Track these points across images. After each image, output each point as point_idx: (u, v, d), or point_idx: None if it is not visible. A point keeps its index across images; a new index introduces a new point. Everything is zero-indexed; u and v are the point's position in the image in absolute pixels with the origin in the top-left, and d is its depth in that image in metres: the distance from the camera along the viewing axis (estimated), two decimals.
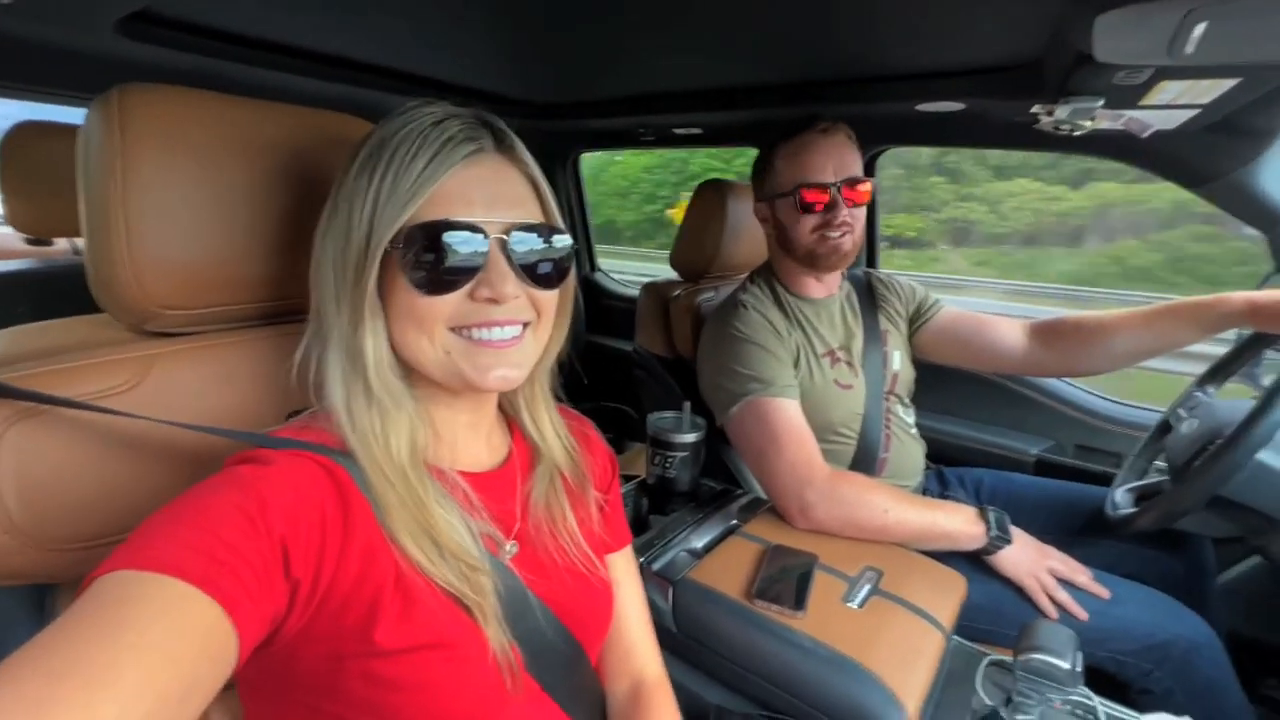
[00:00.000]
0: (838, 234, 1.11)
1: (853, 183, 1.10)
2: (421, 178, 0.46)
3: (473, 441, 0.59)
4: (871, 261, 1.79)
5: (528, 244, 0.50)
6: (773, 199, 1.18)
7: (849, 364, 1.19)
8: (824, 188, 1.09)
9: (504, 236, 0.49)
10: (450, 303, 0.48)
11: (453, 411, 0.56)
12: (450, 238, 0.47)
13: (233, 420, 0.59)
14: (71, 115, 1.41)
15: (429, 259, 0.47)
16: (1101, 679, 0.91)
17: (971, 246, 8.87)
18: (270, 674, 0.46)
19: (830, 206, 1.10)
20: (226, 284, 0.59)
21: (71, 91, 1.28)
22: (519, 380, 0.53)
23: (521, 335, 0.52)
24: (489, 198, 0.49)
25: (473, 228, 0.47)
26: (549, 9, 0.94)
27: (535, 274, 0.51)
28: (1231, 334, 1.07)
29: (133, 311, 0.55)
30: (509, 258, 0.49)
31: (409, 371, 0.52)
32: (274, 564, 0.40)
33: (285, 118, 0.62)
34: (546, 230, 0.52)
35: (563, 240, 0.53)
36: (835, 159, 1.11)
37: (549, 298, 0.54)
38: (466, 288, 0.48)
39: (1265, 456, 0.83)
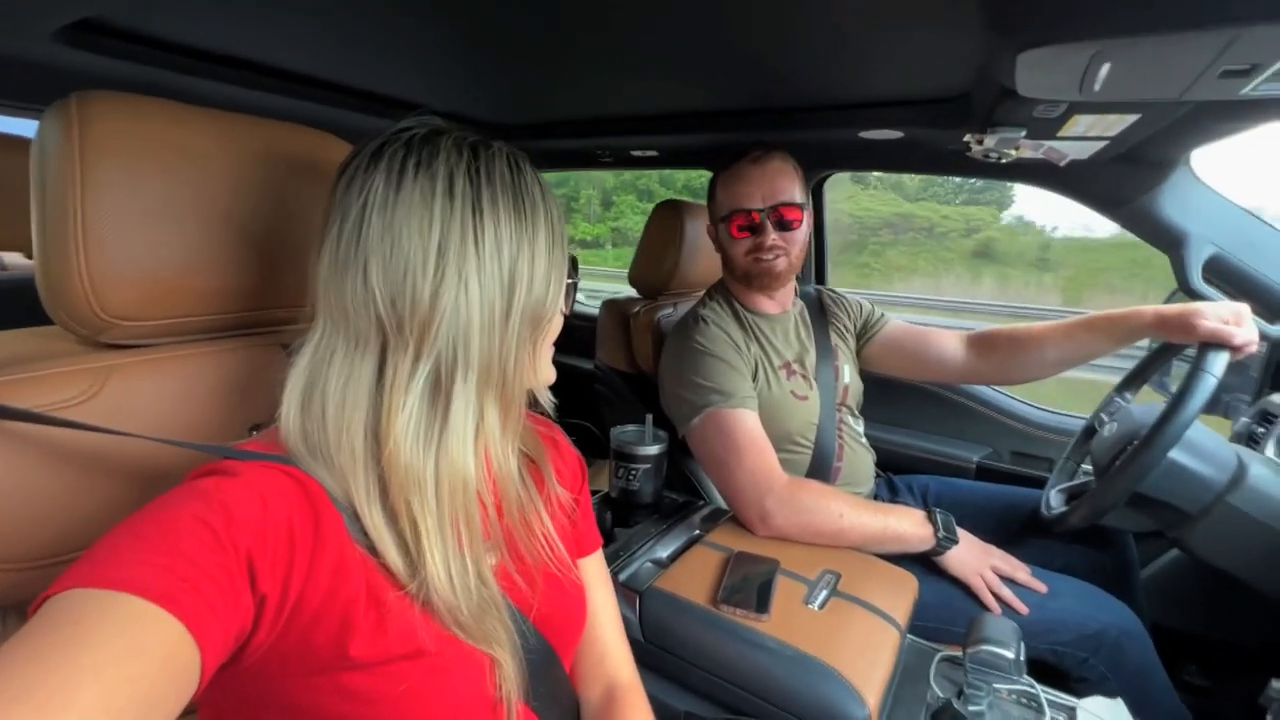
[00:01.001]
0: (770, 256, 1.18)
1: (785, 207, 1.16)
2: (560, 219, 0.53)
3: None
4: (820, 278, 1.87)
5: None
6: (716, 223, 1.26)
7: (804, 376, 1.23)
8: (752, 213, 1.16)
9: None
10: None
11: None
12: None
13: (194, 435, 0.57)
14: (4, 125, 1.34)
15: (575, 281, 0.57)
16: (1042, 669, 0.96)
17: (626, 247, 13.24)
18: (235, 695, 0.44)
19: (759, 230, 1.17)
20: (188, 296, 0.58)
21: (9, 101, 1.22)
22: None
23: None
24: None
25: None
26: (506, 31, 0.96)
27: None
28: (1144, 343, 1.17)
29: (86, 323, 0.53)
30: None
31: None
32: (239, 578, 0.39)
33: (251, 131, 0.62)
34: None
35: None
36: (765, 186, 1.17)
37: None
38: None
39: (1176, 455, 0.91)
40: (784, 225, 1.17)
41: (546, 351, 0.57)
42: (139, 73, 1.04)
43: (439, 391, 0.49)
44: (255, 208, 0.61)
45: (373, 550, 0.47)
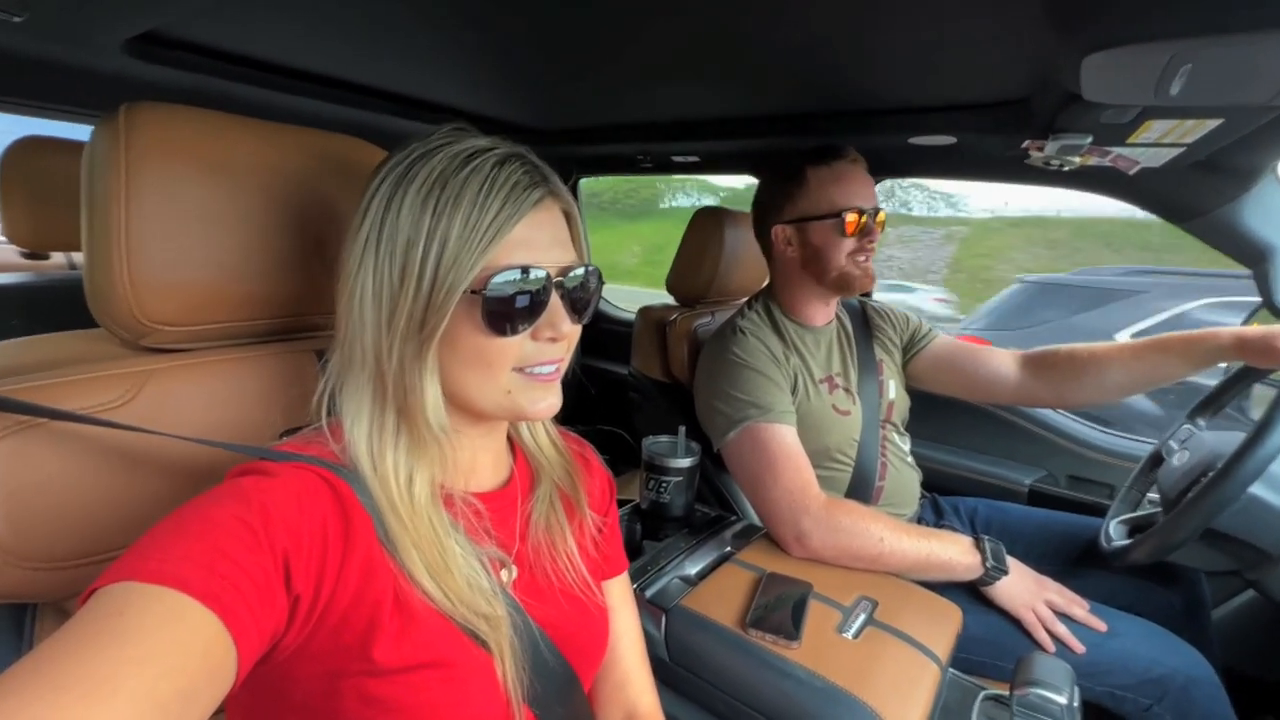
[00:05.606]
0: (866, 259, 1.14)
1: (877, 212, 1.14)
2: (497, 223, 0.47)
3: (484, 463, 0.59)
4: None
5: (577, 283, 0.53)
6: (803, 221, 1.16)
7: (846, 390, 1.19)
8: (864, 213, 1.12)
9: (561, 278, 0.51)
10: (517, 344, 0.50)
11: (471, 437, 0.56)
12: (527, 283, 0.48)
13: (227, 438, 0.58)
14: (75, 131, 1.42)
15: (506, 303, 0.48)
16: (1099, 714, 0.90)
17: None
18: (263, 694, 0.45)
19: (867, 232, 1.13)
20: (226, 302, 0.59)
21: (79, 109, 1.29)
22: (559, 405, 0.54)
23: (560, 365, 0.54)
24: (548, 241, 0.51)
25: (540, 271, 0.49)
26: (547, 37, 0.96)
27: (578, 310, 0.53)
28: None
29: (129, 327, 0.55)
30: (563, 298, 0.52)
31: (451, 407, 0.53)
32: (275, 577, 0.40)
33: (291, 139, 0.63)
34: (587, 268, 0.54)
35: (594, 276, 0.55)
36: (868, 188, 1.15)
37: (579, 329, 0.55)
38: (531, 328, 0.50)
39: (1258, 490, 0.83)
40: (881, 228, 1.15)
41: (436, 367, 0.49)
42: (197, 81, 1.08)
43: (342, 384, 0.50)
44: (293, 215, 0.62)
45: (396, 554, 0.47)
